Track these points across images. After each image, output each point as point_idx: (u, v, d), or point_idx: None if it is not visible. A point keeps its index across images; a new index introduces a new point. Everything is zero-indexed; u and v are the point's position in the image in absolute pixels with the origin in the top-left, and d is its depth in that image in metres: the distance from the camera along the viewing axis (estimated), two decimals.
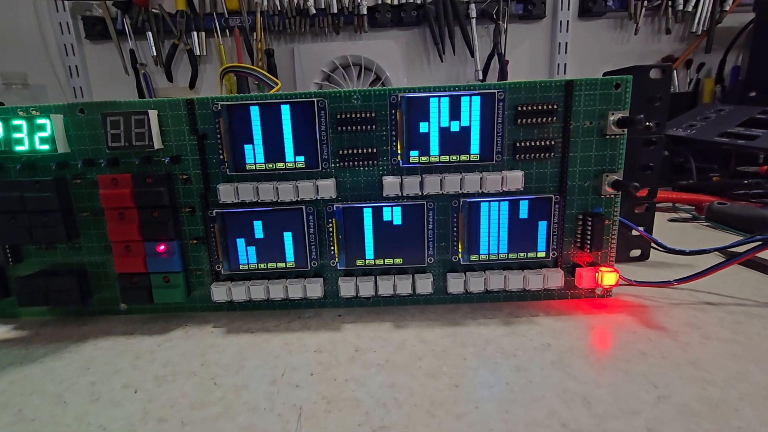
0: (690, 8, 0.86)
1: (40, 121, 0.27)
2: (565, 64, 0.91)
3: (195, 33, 0.87)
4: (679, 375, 0.21)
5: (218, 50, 0.89)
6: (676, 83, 0.90)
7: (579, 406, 0.19)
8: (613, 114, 0.27)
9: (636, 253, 0.37)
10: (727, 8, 0.85)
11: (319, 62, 0.87)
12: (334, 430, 0.18)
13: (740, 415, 0.18)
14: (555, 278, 0.28)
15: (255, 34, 0.87)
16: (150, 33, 0.86)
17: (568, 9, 0.88)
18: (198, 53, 0.89)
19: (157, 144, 0.27)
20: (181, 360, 0.25)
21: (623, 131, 0.27)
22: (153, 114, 0.27)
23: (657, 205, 0.59)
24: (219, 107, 0.26)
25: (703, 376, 0.21)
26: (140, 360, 0.25)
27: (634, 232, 0.34)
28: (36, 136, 0.27)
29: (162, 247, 0.28)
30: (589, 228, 0.28)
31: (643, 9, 0.87)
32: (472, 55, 0.88)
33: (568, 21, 0.89)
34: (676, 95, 0.90)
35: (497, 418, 0.19)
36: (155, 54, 0.88)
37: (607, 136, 0.27)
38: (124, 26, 0.86)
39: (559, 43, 0.90)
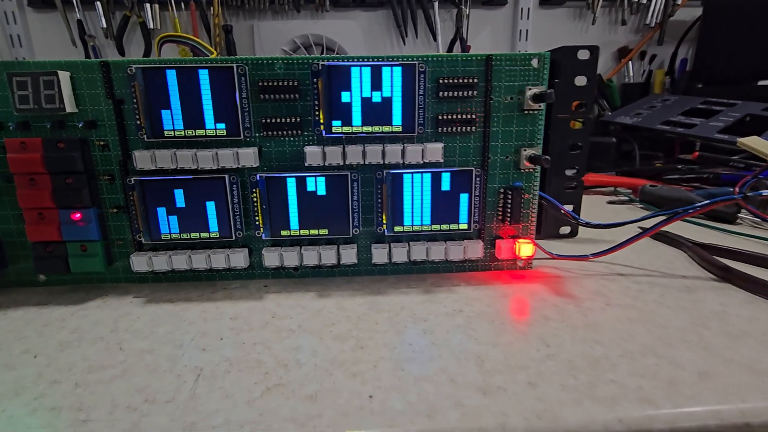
0: (644, 0, 0.88)
1: None
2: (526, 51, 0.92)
3: (148, 5, 0.84)
4: (572, 336, 0.22)
5: (173, 24, 0.86)
6: (631, 73, 0.93)
7: (471, 364, 0.20)
8: (530, 89, 0.27)
9: (566, 230, 0.39)
10: (679, 2, 0.88)
11: (280, 41, 0.85)
12: (228, 388, 0.19)
13: (616, 369, 0.19)
14: (475, 249, 0.29)
15: (212, 8, 0.84)
16: (99, 3, 0.82)
17: None
18: (152, 27, 0.85)
19: (70, 107, 0.26)
20: (91, 327, 0.24)
21: (540, 106, 0.28)
22: (64, 75, 0.26)
23: (601, 189, 0.62)
24: (134, 70, 0.26)
25: (594, 336, 0.22)
26: (48, 328, 0.24)
27: (563, 210, 0.35)
28: None
29: (77, 215, 0.27)
30: (510, 201, 0.29)
31: (601, 0, 0.89)
32: (435, 39, 0.88)
33: (529, 8, 0.90)
34: (630, 85, 0.92)
35: (391, 374, 0.19)
36: (105, 26, 0.83)
37: (526, 112, 0.28)
38: None
39: (520, 30, 0.91)
